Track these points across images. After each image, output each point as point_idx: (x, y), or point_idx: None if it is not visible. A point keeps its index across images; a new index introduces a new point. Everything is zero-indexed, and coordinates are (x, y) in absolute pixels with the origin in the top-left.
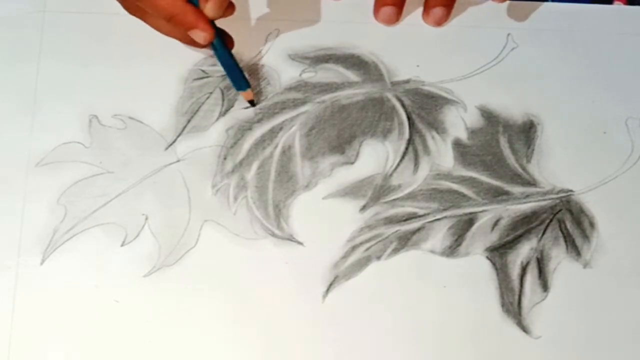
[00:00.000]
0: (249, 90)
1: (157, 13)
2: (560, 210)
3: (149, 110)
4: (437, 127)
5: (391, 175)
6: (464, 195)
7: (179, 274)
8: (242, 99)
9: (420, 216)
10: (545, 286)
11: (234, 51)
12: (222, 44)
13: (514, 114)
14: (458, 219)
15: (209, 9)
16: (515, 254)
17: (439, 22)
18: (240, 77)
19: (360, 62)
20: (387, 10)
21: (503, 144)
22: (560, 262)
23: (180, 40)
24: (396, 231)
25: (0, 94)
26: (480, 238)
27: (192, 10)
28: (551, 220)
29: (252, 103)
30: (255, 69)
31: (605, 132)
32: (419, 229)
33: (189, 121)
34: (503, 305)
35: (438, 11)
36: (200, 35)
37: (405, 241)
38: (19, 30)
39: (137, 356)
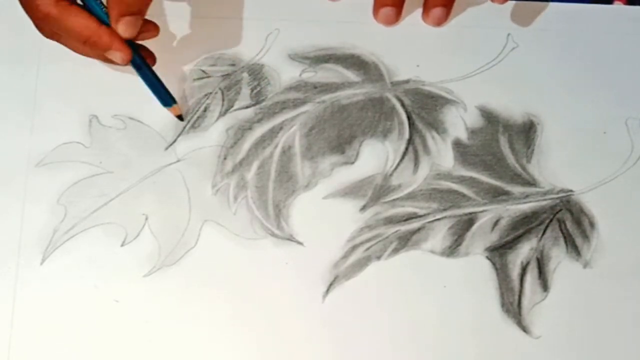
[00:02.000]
0: (175, 106)
1: (71, 37)
2: (560, 210)
3: (149, 111)
4: (437, 127)
5: (391, 175)
6: (464, 195)
7: (179, 274)
8: (242, 98)
9: (420, 216)
10: (545, 286)
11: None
12: (142, 61)
13: (514, 113)
14: (458, 219)
15: (121, 29)
16: (515, 254)
17: (439, 22)
18: (165, 93)
19: (360, 62)
20: (387, 11)
21: (503, 144)
22: (560, 262)
23: (100, 60)
24: (396, 231)
25: (0, 94)
26: (480, 238)
27: (106, 32)
28: (551, 220)
29: (181, 118)
30: (255, 68)
31: (605, 132)
32: (419, 229)
33: (188, 121)
34: (503, 305)
35: (437, 11)
36: (117, 55)
37: (405, 241)
38: (19, 31)
39: (137, 356)
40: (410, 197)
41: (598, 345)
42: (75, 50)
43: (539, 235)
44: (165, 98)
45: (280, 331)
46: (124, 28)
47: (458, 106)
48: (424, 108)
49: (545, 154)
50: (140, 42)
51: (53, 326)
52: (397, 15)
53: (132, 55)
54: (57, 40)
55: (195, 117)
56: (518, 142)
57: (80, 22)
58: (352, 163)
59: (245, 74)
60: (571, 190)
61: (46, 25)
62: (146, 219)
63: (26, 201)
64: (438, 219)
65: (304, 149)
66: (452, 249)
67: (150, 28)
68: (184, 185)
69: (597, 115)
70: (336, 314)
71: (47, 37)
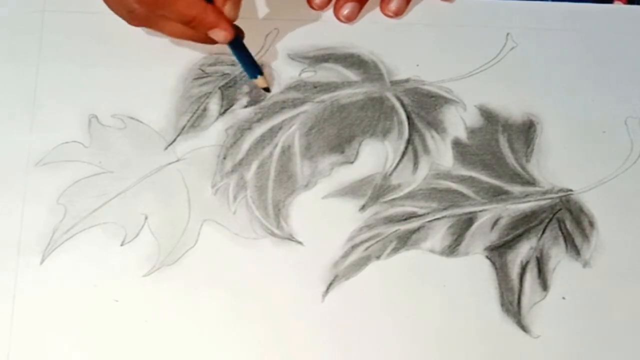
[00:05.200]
0: (261, 78)
1: (177, 17)
2: (559, 210)
3: (149, 110)
4: (437, 126)
5: (391, 174)
6: (463, 195)
7: (178, 274)
8: (242, 98)
9: (419, 215)
10: (544, 285)
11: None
12: (237, 38)
13: (513, 113)
14: (457, 218)
15: (228, 10)
16: (514, 254)
17: (397, 14)
18: (254, 67)
19: (359, 61)
20: (349, 6)
21: (502, 144)
22: (560, 262)
23: (194, 40)
24: (396, 230)
25: (0, 94)
26: (480, 237)
27: (213, 10)
28: (550, 220)
29: (267, 89)
30: None
31: (604, 131)
32: (418, 229)
33: (188, 121)
34: (503, 304)
35: (396, 2)
36: (222, 34)
37: (404, 241)
38: (19, 30)
39: (137, 356)
40: (410, 196)
41: (597, 345)
42: (169, 34)
43: (539, 235)
44: (254, 71)
45: (280, 331)
46: (231, 9)
47: (457, 106)
48: (424, 107)
49: (545, 154)
50: None
51: (53, 326)
52: (358, 12)
53: (235, 34)
54: (149, 25)
55: (195, 116)
56: (517, 141)
57: (189, 1)
58: (352, 163)
59: (244, 74)
60: (571, 190)
61: (148, 8)
62: (146, 218)
63: (26, 200)
64: (438, 219)
65: (304, 148)
66: (452, 249)
67: None
68: (184, 184)
69: (596, 115)
70: (336, 313)
71: (137, 23)
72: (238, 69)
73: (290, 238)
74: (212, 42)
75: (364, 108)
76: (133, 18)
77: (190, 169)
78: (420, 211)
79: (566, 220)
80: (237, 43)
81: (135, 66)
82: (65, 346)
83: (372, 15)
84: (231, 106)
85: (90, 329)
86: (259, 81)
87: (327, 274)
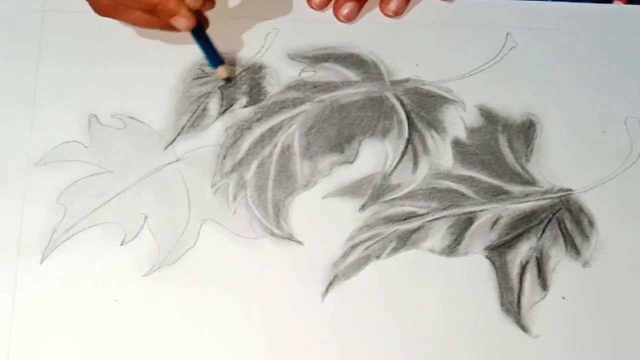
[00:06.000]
0: (222, 68)
1: (140, 5)
2: (559, 210)
3: (149, 110)
4: (437, 126)
5: (391, 174)
6: (463, 195)
7: (178, 274)
8: (242, 98)
9: (419, 215)
10: (544, 285)
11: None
12: (201, 27)
13: (513, 113)
14: (457, 218)
15: (190, 0)
16: (514, 254)
17: (397, 14)
18: (216, 57)
19: (359, 61)
20: (348, 6)
21: (502, 144)
22: (560, 262)
23: (159, 28)
24: (396, 230)
25: (0, 94)
26: (480, 237)
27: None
28: (550, 220)
29: (229, 80)
30: (254, 68)
31: (604, 131)
32: (418, 229)
33: (188, 121)
34: (503, 304)
35: (395, 2)
36: (183, 22)
37: (404, 240)
38: (19, 30)
39: (137, 356)
40: (410, 196)
41: (597, 345)
42: (133, 23)
43: (539, 235)
44: (216, 61)
45: (280, 330)
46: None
47: (457, 106)
48: (424, 107)
49: (545, 154)
50: None
51: (53, 326)
52: (357, 12)
53: (196, 22)
54: (114, 16)
55: (195, 116)
56: (517, 141)
57: None
58: (352, 163)
59: (244, 74)
60: (571, 190)
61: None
62: (146, 218)
63: (26, 201)
64: (437, 219)
65: (304, 148)
66: (452, 249)
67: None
68: (184, 184)
69: (596, 115)
70: (336, 313)
71: (103, 13)
72: (238, 69)
73: (290, 238)
74: (177, 30)
75: (364, 108)
76: (99, 8)
77: (190, 169)
78: (420, 211)
79: (566, 220)
80: (199, 32)
81: (135, 66)
82: (66, 346)
83: (372, 15)
84: (231, 106)
85: (91, 329)
86: (221, 71)
87: (327, 274)
